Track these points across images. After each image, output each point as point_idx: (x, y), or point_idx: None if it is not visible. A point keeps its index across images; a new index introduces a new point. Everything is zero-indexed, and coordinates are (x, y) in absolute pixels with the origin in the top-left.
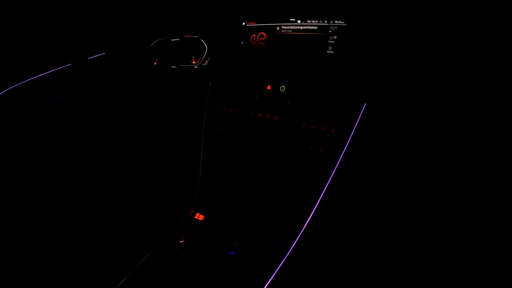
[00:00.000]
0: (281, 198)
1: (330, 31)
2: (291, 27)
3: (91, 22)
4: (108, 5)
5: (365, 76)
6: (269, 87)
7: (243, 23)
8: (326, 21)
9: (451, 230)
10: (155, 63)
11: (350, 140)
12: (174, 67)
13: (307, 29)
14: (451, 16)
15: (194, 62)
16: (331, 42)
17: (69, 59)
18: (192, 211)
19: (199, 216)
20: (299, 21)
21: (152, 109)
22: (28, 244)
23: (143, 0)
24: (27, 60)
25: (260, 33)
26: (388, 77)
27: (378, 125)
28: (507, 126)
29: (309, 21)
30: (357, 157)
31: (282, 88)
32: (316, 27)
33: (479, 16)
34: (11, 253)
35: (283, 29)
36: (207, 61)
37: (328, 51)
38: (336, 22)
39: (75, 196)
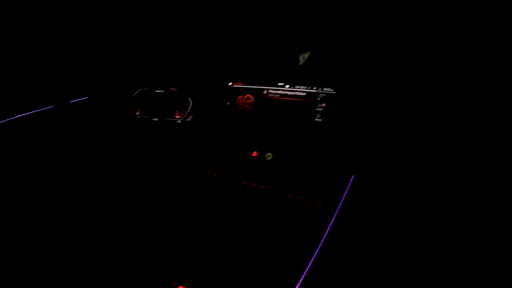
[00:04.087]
0: (265, 269)
1: (318, 98)
2: (279, 92)
3: (77, 64)
4: (95, 47)
5: (354, 147)
6: (255, 154)
7: (230, 83)
8: (315, 88)
9: None
10: (137, 114)
11: (337, 213)
12: (156, 119)
13: (295, 94)
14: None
15: (177, 117)
16: (319, 110)
17: (52, 101)
18: (174, 283)
19: None
20: (287, 86)
21: (131, 163)
22: None
23: (131, 46)
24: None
25: (247, 95)
26: (378, 149)
27: (367, 198)
28: None
29: (298, 87)
30: (344, 230)
31: (268, 156)
32: (304, 93)
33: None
34: None
35: (271, 93)
36: (191, 117)
37: (316, 119)
38: (325, 89)
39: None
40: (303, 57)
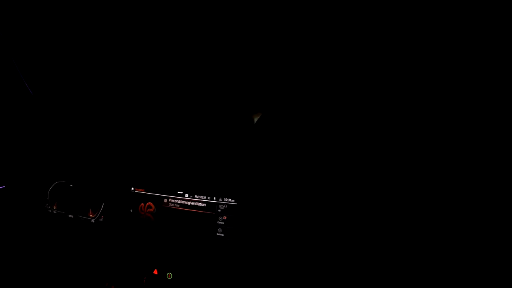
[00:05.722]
0: None
1: (219, 210)
2: (179, 201)
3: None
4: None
5: (259, 268)
6: (155, 272)
7: (132, 188)
8: (215, 198)
9: None
10: (54, 208)
11: None
12: (72, 216)
13: (195, 205)
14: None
15: (91, 215)
16: (220, 223)
17: None
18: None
19: None
20: (186, 195)
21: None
22: None
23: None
24: None
25: (148, 203)
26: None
27: None
28: None
29: (197, 196)
30: None
31: (169, 275)
32: (204, 204)
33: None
34: None
35: (171, 202)
36: (103, 217)
37: (218, 234)
38: (226, 199)
39: None
40: (256, 117)
